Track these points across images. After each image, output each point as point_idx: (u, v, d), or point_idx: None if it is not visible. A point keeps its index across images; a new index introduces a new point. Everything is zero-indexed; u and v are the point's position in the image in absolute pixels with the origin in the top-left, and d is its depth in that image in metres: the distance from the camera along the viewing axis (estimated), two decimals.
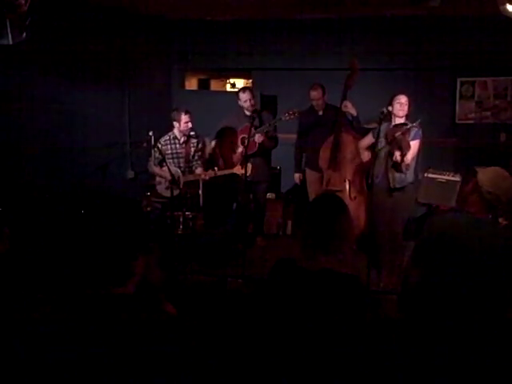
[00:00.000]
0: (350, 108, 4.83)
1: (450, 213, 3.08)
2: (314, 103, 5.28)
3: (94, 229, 1.28)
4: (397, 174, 4.39)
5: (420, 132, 4.41)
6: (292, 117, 5.05)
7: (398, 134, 4.27)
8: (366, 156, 4.67)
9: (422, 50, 6.26)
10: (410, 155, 4.31)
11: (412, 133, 4.34)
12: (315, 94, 5.22)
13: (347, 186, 4.78)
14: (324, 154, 4.93)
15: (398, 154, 4.26)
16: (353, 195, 4.75)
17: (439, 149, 6.19)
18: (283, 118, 5.08)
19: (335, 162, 4.82)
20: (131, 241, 1.35)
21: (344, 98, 4.79)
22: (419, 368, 1.79)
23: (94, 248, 1.29)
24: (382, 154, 4.41)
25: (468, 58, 6.11)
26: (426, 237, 2.58)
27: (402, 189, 4.45)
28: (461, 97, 6.38)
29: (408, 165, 4.29)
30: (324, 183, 4.92)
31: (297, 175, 5.59)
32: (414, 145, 4.36)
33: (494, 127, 6.27)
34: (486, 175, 2.59)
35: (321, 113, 5.33)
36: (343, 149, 4.80)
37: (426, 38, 6.22)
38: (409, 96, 4.46)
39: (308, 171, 5.42)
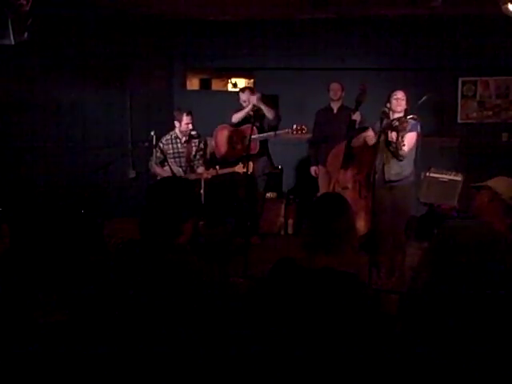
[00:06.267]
0: (357, 117, 5.05)
1: (467, 221, 3.06)
2: (332, 93, 5.57)
3: (162, 198, 1.94)
4: (393, 165, 4.40)
5: (418, 126, 4.42)
6: (300, 133, 5.18)
7: (394, 122, 4.31)
8: (371, 140, 4.67)
9: (423, 49, 6.25)
10: (407, 146, 4.32)
11: (409, 125, 4.35)
12: (334, 84, 5.58)
13: (358, 186, 4.89)
14: (332, 160, 5.07)
15: (393, 135, 4.29)
16: (363, 194, 4.85)
17: (441, 148, 6.19)
18: (291, 132, 5.20)
19: (348, 163, 4.96)
20: (185, 208, 1.93)
21: (356, 110, 4.99)
22: (420, 367, 1.79)
23: (163, 211, 1.90)
24: (380, 148, 4.42)
25: (470, 58, 6.11)
26: (439, 241, 2.56)
27: (399, 184, 4.46)
28: (462, 96, 6.38)
29: (404, 145, 4.30)
30: (333, 182, 5.05)
31: (313, 168, 5.75)
32: (412, 137, 4.37)
33: (495, 127, 6.26)
34: (501, 184, 2.63)
35: (335, 111, 5.61)
36: (356, 152, 4.93)
37: (428, 37, 6.21)
38: (406, 92, 4.48)
39: (320, 167, 5.60)
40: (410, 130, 4.36)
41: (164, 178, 2.75)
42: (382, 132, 4.36)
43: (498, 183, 2.64)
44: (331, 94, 5.59)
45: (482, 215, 2.66)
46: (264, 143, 5.59)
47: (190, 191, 2.05)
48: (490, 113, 6.32)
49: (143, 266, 1.84)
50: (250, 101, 5.43)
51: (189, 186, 2.12)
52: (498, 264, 2.31)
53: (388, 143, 4.37)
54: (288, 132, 5.21)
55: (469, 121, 6.38)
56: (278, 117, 5.52)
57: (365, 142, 4.64)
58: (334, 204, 2.12)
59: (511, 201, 2.55)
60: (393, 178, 4.45)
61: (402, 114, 4.42)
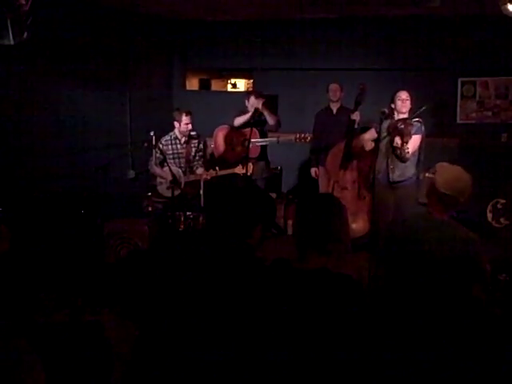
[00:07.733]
0: (356, 117, 5.06)
1: (413, 217, 3.07)
2: (331, 94, 5.57)
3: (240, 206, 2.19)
4: (397, 166, 4.41)
5: (422, 128, 4.44)
6: (303, 141, 5.24)
7: (399, 124, 4.32)
8: (369, 145, 4.74)
9: (422, 50, 6.26)
10: (411, 148, 4.33)
11: (414, 127, 4.36)
12: (333, 85, 5.59)
13: (357, 186, 4.89)
14: (332, 160, 5.07)
15: (398, 140, 4.30)
16: (362, 195, 4.86)
17: (440, 148, 6.18)
18: (294, 140, 5.27)
19: (347, 163, 4.98)
20: (257, 214, 2.18)
21: (355, 110, 5.01)
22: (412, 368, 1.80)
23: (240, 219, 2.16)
24: (384, 148, 4.43)
25: (469, 58, 6.11)
26: (388, 240, 2.68)
27: (402, 184, 4.47)
28: (462, 97, 6.38)
29: (408, 152, 4.31)
30: (332, 182, 5.06)
31: (313, 170, 5.78)
32: (416, 139, 4.39)
33: (495, 127, 6.26)
34: (441, 176, 2.62)
35: (335, 112, 5.62)
36: (355, 152, 4.96)
37: (427, 38, 6.21)
38: (410, 92, 4.49)
39: (320, 168, 5.63)
40: (415, 133, 4.37)
41: (319, 196, 3.07)
42: (387, 133, 4.37)
43: (440, 175, 2.65)
44: (330, 94, 5.59)
45: (427, 202, 2.70)
46: (263, 147, 5.59)
47: (264, 200, 2.31)
48: (490, 113, 6.32)
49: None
50: (254, 104, 5.38)
51: (264, 196, 2.44)
52: (430, 254, 2.38)
53: (393, 147, 4.38)
54: (291, 139, 5.25)
55: (468, 121, 6.38)
56: (278, 123, 5.51)
57: (363, 146, 4.69)
58: (325, 206, 2.10)
59: (444, 197, 2.54)
60: (396, 179, 4.47)
61: (407, 115, 4.43)
